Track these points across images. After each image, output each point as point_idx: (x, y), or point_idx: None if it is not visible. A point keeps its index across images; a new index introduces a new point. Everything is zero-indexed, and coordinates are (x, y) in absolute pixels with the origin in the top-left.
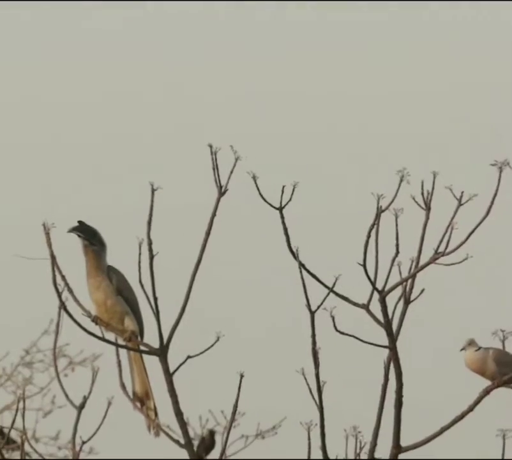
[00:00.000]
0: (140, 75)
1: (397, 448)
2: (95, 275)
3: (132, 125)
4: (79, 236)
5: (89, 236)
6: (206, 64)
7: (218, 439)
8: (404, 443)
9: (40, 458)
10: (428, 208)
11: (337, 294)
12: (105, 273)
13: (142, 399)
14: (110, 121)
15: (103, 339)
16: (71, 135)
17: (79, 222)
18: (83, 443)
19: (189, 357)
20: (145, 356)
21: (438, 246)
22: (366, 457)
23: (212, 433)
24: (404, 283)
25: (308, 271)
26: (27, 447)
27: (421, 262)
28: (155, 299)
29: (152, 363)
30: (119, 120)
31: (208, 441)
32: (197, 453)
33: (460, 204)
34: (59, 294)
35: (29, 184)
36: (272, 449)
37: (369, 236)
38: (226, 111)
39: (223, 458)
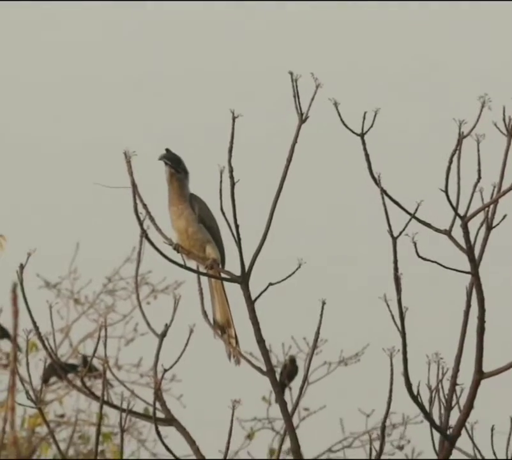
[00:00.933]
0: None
1: (479, 373)
2: (178, 202)
3: (215, 53)
4: (166, 163)
5: (175, 164)
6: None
7: (301, 366)
8: (486, 368)
9: (122, 385)
10: (509, 134)
11: (419, 220)
12: (187, 201)
13: (223, 327)
14: (192, 51)
15: (184, 267)
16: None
17: (166, 149)
18: (165, 370)
19: (270, 284)
20: (226, 284)
21: None
22: (448, 383)
23: (293, 360)
24: (486, 209)
25: (390, 197)
26: (109, 375)
27: (503, 188)
28: (236, 226)
29: (233, 290)
30: (201, 48)
31: (290, 368)
32: (280, 380)
33: None
34: (141, 223)
35: (109, 111)
36: (355, 376)
37: (451, 162)
38: (306, 38)
39: (306, 384)
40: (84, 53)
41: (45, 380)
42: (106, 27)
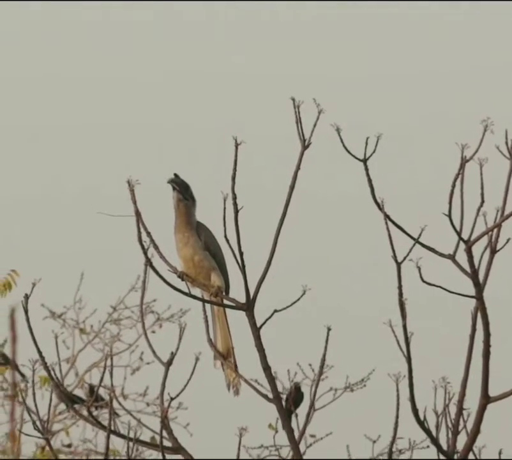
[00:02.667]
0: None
1: (486, 398)
2: (184, 230)
3: (217, 79)
4: (174, 188)
5: (182, 190)
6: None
7: (306, 393)
8: (492, 393)
9: (129, 414)
10: None
11: (423, 245)
12: (194, 229)
13: (224, 356)
14: (193, 78)
15: (189, 295)
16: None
17: (175, 174)
18: (172, 399)
19: (276, 311)
20: (231, 311)
21: None
22: (455, 408)
23: (298, 387)
24: (490, 233)
25: (394, 222)
26: (115, 404)
27: (506, 211)
28: (241, 254)
29: (239, 318)
30: (202, 76)
31: (295, 395)
32: (285, 407)
33: None
34: (145, 251)
35: (112, 142)
36: (361, 401)
37: (454, 186)
38: (310, 63)
39: (312, 411)
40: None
41: (72, 401)
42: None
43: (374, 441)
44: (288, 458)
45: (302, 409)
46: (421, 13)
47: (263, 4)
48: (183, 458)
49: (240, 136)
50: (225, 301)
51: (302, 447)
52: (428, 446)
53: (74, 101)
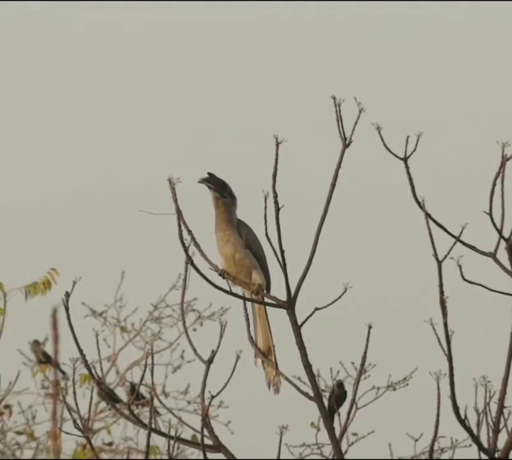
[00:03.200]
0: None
1: None
2: (225, 228)
3: (257, 78)
4: (210, 187)
5: (219, 188)
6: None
7: (349, 391)
8: None
9: (170, 412)
10: None
11: (464, 243)
12: (234, 227)
13: (264, 354)
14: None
15: (230, 293)
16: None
17: (209, 173)
18: (213, 397)
19: (317, 309)
20: (273, 310)
21: None
22: (496, 406)
23: (341, 384)
24: None
25: (434, 221)
26: (156, 402)
27: None
28: (282, 252)
29: (280, 316)
30: (242, 73)
31: (338, 393)
32: (328, 405)
33: None
34: (186, 249)
35: (154, 138)
36: (403, 400)
37: (494, 184)
38: (349, 61)
39: (354, 409)
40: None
41: (113, 400)
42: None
43: (416, 440)
44: (330, 458)
45: (344, 408)
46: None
47: (281, 3)
48: (224, 456)
49: (281, 135)
50: (266, 299)
51: (344, 445)
52: (470, 445)
53: (107, 99)
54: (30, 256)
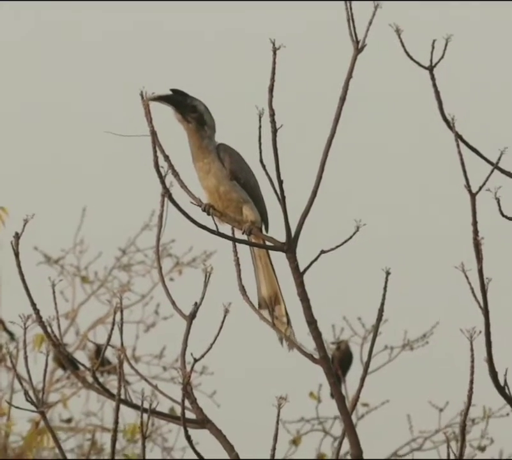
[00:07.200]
0: None
1: None
2: (202, 156)
3: None
4: (172, 107)
5: (182, 109)
6: None
7: (356, 352)
8: None
9: (143, 380)
10: None
11: (503, 171)
12: (213, 154)
13: (270, 305)
14: None
15: (217, 233)
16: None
17: (173, 90)
18: (195, 361)
19: (322, 252)
20: (271, 253)
21: None
22: None
23: (346, 345)
24: None
25: (467, 144)
26: (126, 368)
27: None
28: (280, 182)
29: (277, 260)
30: None
31: (342, 355)
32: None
33: None
34: (162, 179)
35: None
36: (423, 362)
37: None
38: None
39: (366, 374)
40: None
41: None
42: None
43: (440, 410)
44: (337, 436)
45: (354, 371)
46: None
47: None
48: (210, 433)
49: (278, 39)
50: (261, 241)
51: (353, 419)
52: (507, 414)
53: None
54: None
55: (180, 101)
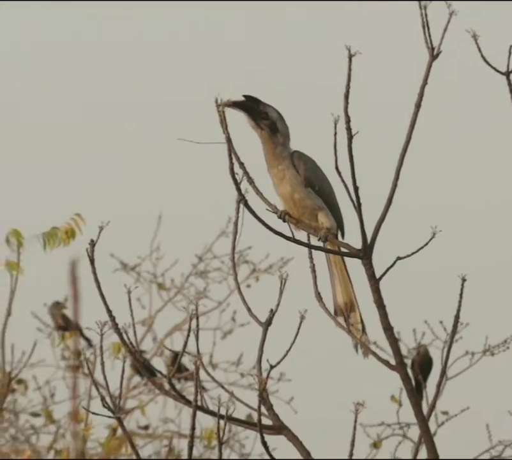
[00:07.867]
0: None
1: None
2: (276, 163)
3: None
4: (245, 114)
5: (255, 115)
6: None
7: (436, 357)
8: None
9: (219, 387)
10: None
11: None
12: (287, 161)
13: (346, 312)
14: None
15: (293, 240)
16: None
17: (245, 96)
18: (272, 367)
19: (398, 258)
20: (346, 260)
21: None
22: None
23: (425, 349)
24: None
25: None
26: (202, 375)
27: None
28: (356, 189)
29: (353, 267)
30: None
31: (422, 360)
32: (412, 375)
33: None
34: (238, 186)
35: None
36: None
37: None
38: None
39: (444, 380)
40: None
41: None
42: None
43: None
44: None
45: (431, 379)
46: None
47: None
48: (286, 439)
49: (354, 46)
50: (337, 247)
51: (432, 426)
52: None
53: None
54: (51, 199)
55: (252, 108)
